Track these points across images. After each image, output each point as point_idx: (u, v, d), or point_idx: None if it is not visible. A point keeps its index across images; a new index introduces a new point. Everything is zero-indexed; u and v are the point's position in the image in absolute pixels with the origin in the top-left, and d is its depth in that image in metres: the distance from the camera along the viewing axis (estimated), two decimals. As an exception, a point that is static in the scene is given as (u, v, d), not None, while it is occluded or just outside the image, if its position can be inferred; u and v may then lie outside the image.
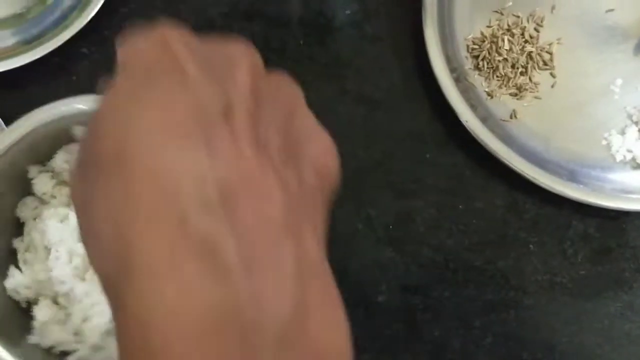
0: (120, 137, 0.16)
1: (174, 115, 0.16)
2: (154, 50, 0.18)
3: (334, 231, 0.20)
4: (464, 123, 0.43)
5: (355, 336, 0.18)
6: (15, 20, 0.46)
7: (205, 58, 0.18)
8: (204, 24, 0.46)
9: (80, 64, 0.45)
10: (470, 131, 0.43)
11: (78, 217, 0.18)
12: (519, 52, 0.45)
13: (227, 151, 0.16)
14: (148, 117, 0.16)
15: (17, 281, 0.37)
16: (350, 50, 0.46)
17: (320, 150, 0.20)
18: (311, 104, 0.40)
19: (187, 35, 0.18)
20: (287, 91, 0.20)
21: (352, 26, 0.47)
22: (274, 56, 0.46)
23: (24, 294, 0.37)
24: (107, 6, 0.43)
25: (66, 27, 0.43)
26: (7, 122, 0.41)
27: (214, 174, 0.16)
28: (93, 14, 0.43)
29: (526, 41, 0.46)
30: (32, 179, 0.39)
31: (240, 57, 0.18)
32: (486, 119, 0.44)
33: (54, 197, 0.39)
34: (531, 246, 0.44)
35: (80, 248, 0.37)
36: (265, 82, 0.19)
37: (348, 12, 0.47)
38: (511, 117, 0.45)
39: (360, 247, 0.43)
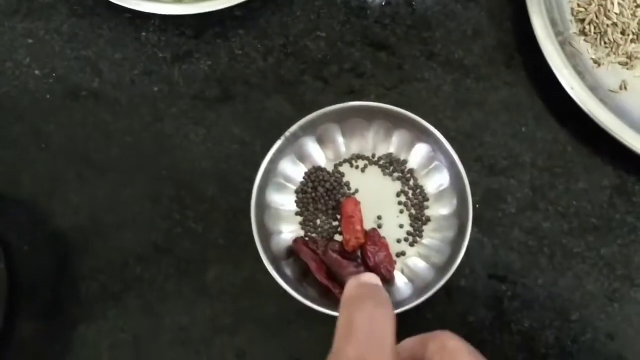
0: None
1: None
2: None
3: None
4: (569, 91, 0.38)
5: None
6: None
7: None
8: None
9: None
10: (576, 101, 0.38)
11: None
12: (630, 17, 0.41)
13: None
14: None
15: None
16: (440, 11, 0.42)
17: None
18: (396, 67, 0.36)
19: None
20: None
21: (443, -15, 0.43)
22: (353, 17, 0.43)
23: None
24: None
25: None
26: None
27: None
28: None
29: (638, 5, 0.41)
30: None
31: None
32: (593, 89, 0.39)
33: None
34: (640, 233, 0.39)
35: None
36: None
37: (438, -30, 0.43)
38: (621, 89, 0.40)
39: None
